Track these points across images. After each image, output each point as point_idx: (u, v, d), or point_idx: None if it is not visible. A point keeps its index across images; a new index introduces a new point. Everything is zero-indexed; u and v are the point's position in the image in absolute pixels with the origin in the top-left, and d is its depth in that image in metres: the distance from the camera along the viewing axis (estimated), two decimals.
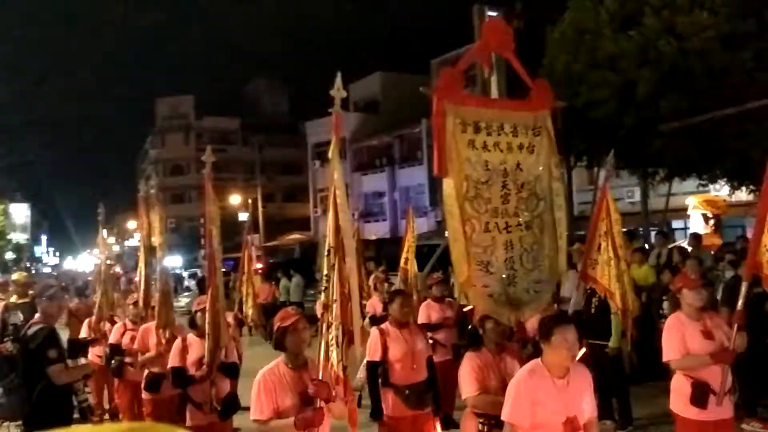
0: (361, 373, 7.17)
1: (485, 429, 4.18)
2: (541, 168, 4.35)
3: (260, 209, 39.94)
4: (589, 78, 13.21)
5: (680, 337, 4.69)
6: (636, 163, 15.29)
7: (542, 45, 14.71)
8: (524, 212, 4.29)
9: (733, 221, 21.28)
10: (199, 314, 5.68)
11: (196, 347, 5.53)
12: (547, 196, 4.37)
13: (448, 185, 3.96)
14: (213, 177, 5.62)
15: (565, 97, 13.26)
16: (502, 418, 3.63)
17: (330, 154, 3.99)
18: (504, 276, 4.16)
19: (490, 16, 12.07)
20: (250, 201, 42.49)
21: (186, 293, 27.62)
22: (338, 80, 4.09)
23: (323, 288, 3.77)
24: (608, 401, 7.75)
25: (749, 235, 18.62)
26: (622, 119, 12.77)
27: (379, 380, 5.26)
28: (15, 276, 8.85)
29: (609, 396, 7.83)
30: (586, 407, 3.62)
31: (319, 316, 10.26)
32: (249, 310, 13.44)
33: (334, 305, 3.67)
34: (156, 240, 8.05)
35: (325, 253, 3.82)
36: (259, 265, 27.36)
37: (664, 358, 4.83)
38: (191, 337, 5.67)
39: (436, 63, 35.01)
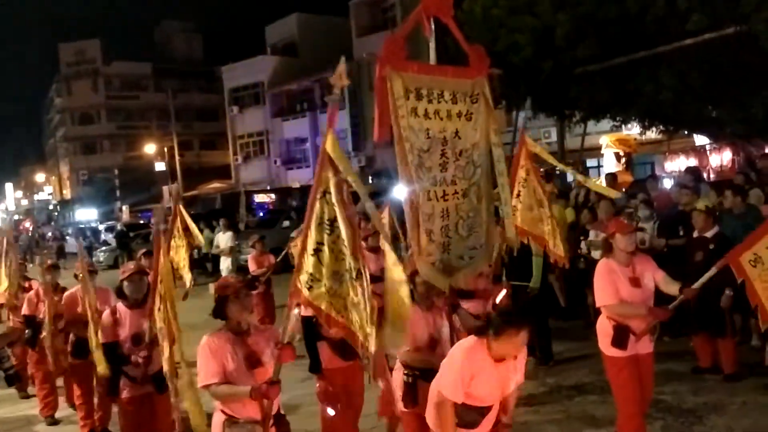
0: (290, 326, 7.28)
1: (410, 380, 4.36)
2: (478, 135, 4.35)
3: (177, 158, 38.78)
4: (508, 23, 13.31)
5: (612, 283, 4.88)
6: (554, 106, 15.67)
7: None
8: (461, 180, 4.30)
9: (643, 158, 22.32)
10: (126, 283, 5.26)
11: (129, 320, 5.14)
12: (484, 163, 4.39)
13: (397, 153, 3.96)
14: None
15: (484, 41, 13.45)
16: (438, 389, 3.70)
17: (329, 149, 3.51)
18: (441, 243, 4.21)
19: None
20: (166, 150, 41.24)
21: (104, 248, 26.76)
22: (341, 66, 3.58)
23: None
24: (529, 339, 8.10)
25: (658, 171, 19.61)
26: (540, 64, 12.99)
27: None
28: None
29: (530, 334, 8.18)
30: (514, 379, 3.77)
31: (253, 270, 10.20)
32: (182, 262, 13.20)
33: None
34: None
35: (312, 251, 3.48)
36: None
37: (598, 303, 5.02)
38: (121, 307, 5.24)
39: (355, 4, 34.38)
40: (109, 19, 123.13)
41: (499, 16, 13.66)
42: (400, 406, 4.42)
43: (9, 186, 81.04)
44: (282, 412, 3.85)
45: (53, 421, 7.33)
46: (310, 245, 3.50)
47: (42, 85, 67.76)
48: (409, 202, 3.98)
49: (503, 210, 4.66)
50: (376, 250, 8.34)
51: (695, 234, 7.14)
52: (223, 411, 3.72)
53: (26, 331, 7.22)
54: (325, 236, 3.45)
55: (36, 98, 74.59)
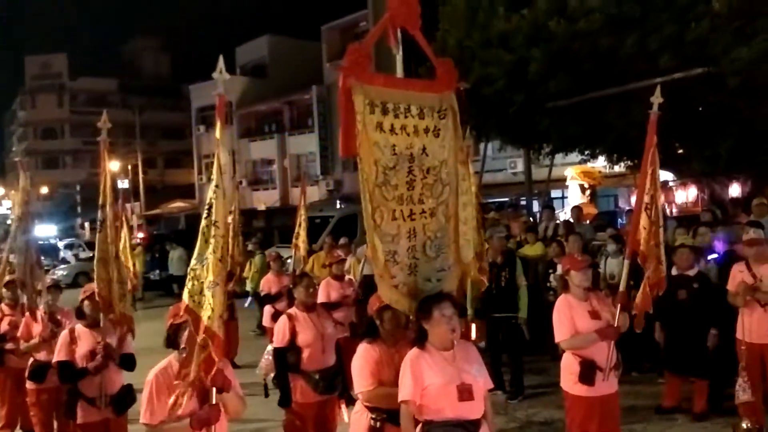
0: (264, 362, 7.02)
1: (377, 425, 4.04)
2: (446, 152, 4.17)
3: (140, 175, 38.18)
4: (482, 55, 13.39)
5: (569, 318, 4.87)
6: (523, 138, 15.81)
7: (436, 16, 14.67)
8: (429, 198, 4.11)
9: (607, 191, 22.72)
10: (86, 302, 5.32)
11: (86, 339, 5.18)
12: (452, 182, 4.22)
13: (361, 171, 3.79)
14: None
15: (458, 72, 13.40)
16: (399, 399, 3.61)
17: (217, 134, 3.89)
18: (407, 265, 4.02)
19: None
20: (129, 167, 40.56)
21: (62, 265, 26.06)
22: (220, 63, 3.75)
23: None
24: (500, 372, 8.06)
25: (621, 204, 19.76)
26: (512, 97, 13.09)
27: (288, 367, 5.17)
28: None
29: (500, 367, 8.13)
30: (479, 376, 3.65)
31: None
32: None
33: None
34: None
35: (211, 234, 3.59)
36: (141, 235, 26.29)
37: (556, 339, 5.00)
38: (80, 328, 5.29)
39: (327, 29, 34.50)
40: (77, 35, 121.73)
41: (472, 48, 13.75)
42: None
43: None
44: None
45: None
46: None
47: (5, 97, 66.31)
48: (372, 221, 3.78)
49: (462, 231, 4.36)
50: (341, 278, 8.29)
51: (675, 271, 6.93)
52: None
53: None
54: (203, 219, 3.66)
55: None
